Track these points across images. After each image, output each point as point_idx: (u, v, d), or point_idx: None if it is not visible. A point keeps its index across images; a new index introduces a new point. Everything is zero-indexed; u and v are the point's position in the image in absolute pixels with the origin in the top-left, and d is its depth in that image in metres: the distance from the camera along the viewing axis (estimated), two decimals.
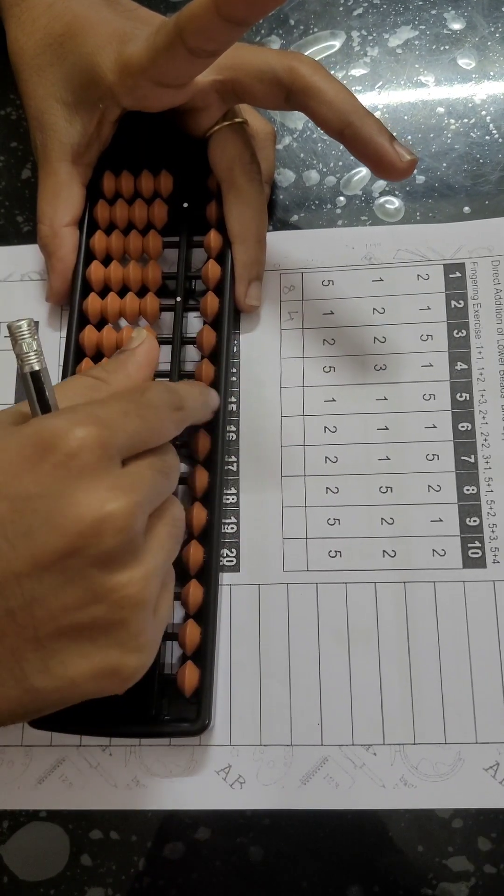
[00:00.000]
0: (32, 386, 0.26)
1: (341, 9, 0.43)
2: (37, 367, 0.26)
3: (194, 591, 0.33)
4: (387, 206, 0.40)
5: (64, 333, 0.38)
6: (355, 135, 0.32)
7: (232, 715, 0.34)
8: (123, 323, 0.38)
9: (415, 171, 0.37)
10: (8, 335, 0.39)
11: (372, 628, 0.34)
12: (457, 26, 0.42)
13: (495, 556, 0.34)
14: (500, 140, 0.40)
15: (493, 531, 0.35)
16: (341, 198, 0.40)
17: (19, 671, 0.24)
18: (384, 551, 0.35)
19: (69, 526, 0.24)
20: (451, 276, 0.38)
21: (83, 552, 0.24)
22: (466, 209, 0.39)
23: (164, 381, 0.30)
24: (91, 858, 0.33)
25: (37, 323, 0.28)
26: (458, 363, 0.37)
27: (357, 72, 0.42)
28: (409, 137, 0.40)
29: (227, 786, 0.33)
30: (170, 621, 0.28)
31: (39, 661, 0.24)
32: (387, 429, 0.36)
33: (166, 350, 0.37)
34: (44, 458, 0.24)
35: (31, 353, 0.26)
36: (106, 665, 0.25)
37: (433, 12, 0.42)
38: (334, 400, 0.37)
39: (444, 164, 0.40)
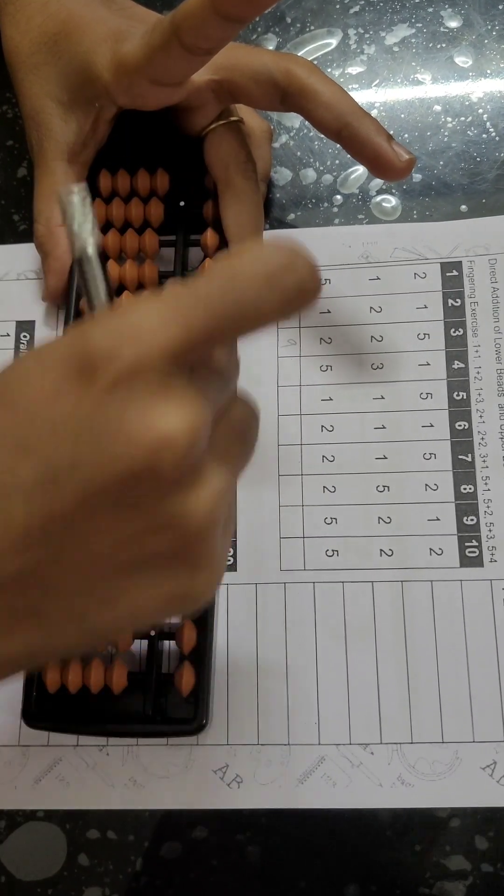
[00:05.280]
0: (78, 274, 0.23)
1: (338, 7, 0.43)
2: (88, 251, 0.22)
3: None
4: (384, 204, 0.39)
5: (60, 333, 0.38)
6: (353, 136, 0.32)
7: (229, 714, 0.33)
8: None
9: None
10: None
11: (369, 627, 0.34)
12: (454, 24, 0.42)
13: (492, 554, 0.34)
14: (497, 138, 0.40)
15: (490, 530, 0.35)
16: (338, 196, 0.40)
17: (79, 609, 0.22)
18: (381, 550, 0.35)
19: (121, 454, 0.20)
20: (447, 274, 0.38)
21: (139, 483, 0.20)
22: (463, 207, 0.39)
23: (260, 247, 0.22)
24: (88, 858, 0.33)
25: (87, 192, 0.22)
26: (455, 362, 0.37)
27: (353, 70, 0.42)
28: (406, 136, 0.40)
29: (225, 785, 0.33)
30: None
31: (99, 600, 0.22)
32: (384, 427, 0.36)
33: None
34: (89, 382, 0.20)
35: (83, 232, 0.22)
36: (174, 592, 0.22)
37: (430, 10, 0.42)
38: (331, 399, 0.37)
39: (441, 163, 0.40)
